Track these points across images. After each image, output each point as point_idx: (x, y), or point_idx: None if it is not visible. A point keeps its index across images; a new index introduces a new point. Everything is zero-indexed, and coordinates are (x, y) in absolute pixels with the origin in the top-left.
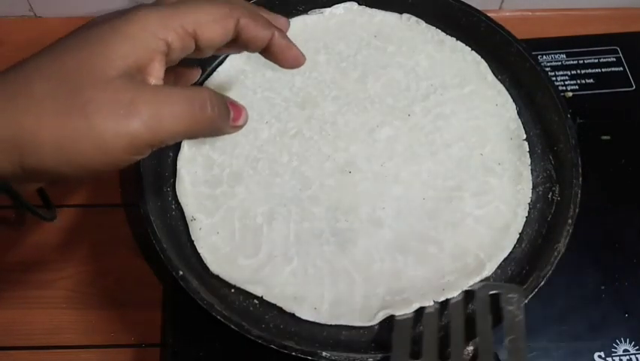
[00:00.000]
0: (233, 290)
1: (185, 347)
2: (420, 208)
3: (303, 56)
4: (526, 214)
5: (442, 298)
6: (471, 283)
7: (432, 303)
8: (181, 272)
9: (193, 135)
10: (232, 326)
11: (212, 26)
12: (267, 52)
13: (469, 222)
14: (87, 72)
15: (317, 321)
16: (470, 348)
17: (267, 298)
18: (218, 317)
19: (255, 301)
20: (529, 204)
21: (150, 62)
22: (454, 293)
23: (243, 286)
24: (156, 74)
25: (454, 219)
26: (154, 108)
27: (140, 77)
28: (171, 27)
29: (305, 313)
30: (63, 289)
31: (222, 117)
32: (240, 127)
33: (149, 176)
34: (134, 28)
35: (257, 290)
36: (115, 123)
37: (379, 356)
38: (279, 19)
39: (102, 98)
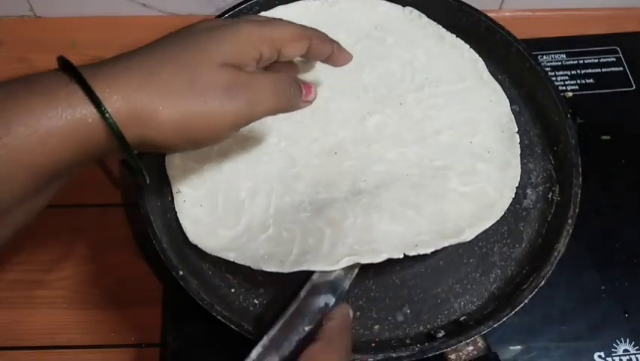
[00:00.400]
0: (233, 290)
1: (185, 347)
2: (403, 180)
3: (350, 56)
4: (513, 195)
5: (414, 253)
6: (446, 244)
7: (402, 256)
8: (181, 272)
9: (278, 111)
10: (232, 326)
11: (294, 44)
12: (326, 60)
13: (453, 196)
14: (204, 61)
15: (281, 271)
16: (470, 348)
17: (238, 260)
18: (219, 317)
19: (255, 301)
20: (516, 187)
21: (247, 64)
22: (427, 250)
23: (216, 254)
24: (250, 71)
25: (438, 192)
26: (252, 90)
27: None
28: (265, 41)
29: (271, 267)
30: (63, 289)
31: (297, 96)
32: (311, 102)
33: (149, 176)
34: (241, 38)
35: (229, 256)
36: (225, 103)
37: (379, 356)
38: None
39: (215, 83)
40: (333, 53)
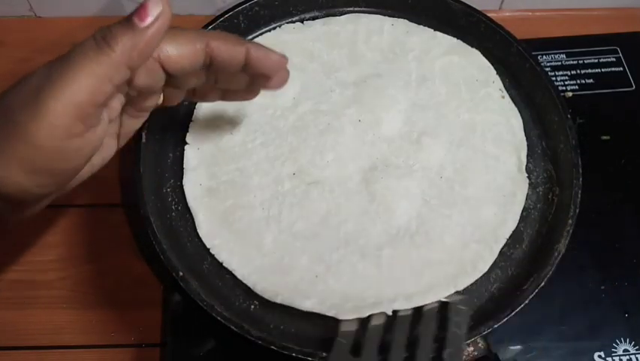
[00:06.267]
0: (233, 291)
1: (185, 347)
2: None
3: (284, 58)
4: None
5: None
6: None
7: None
8: (181, 273)
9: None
10: (232, 327)
11: (179, 49)
12: (247, 68)
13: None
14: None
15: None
16: (471, 349)
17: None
18: (219, 318)
19: (256, 301)
20: None
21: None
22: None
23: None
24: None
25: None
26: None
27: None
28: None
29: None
30: (63, 289)
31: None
32: (154, 26)
33: (149, 176)
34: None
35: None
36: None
37: (379, 356)
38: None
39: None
40: (250, 54)
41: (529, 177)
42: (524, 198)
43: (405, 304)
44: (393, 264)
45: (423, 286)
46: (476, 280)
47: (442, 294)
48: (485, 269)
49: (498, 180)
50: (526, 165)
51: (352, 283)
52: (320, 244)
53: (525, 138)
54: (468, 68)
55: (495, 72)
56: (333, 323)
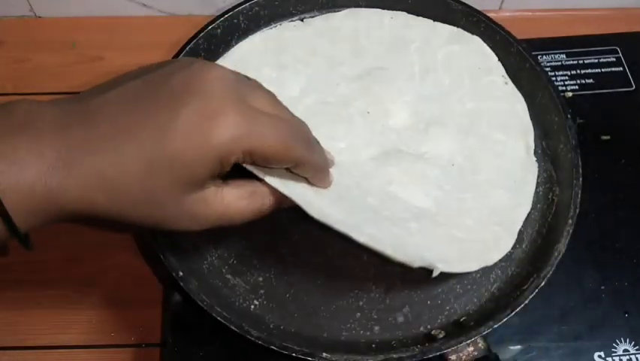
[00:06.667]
0: (233, 290)
1: (185, 347)
2: None
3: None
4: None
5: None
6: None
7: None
8: (181, 272)
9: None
10: (232, 327)
11: (276, 163)
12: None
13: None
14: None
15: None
16: (471, 349)
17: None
18: (219, 318)
19: (255, 301)
20: None
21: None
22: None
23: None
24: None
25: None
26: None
27: None
28: (237, 151)
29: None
30: (63, 289)
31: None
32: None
33: None
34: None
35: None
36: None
37: (380, 357)
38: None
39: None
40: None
41: None
42: (535, 181)
43: (445, 267)
44: (422, 235)
45: (454, 256)
46: (476, 280)
47: (472, 267)
48: (508, 248)
49: (508, 165)
50: None
51: (387, 239)
52: (346, 205)
53: (531, 122)
54: (470, 56)
55: (496, 58)
56: (333, 323)
